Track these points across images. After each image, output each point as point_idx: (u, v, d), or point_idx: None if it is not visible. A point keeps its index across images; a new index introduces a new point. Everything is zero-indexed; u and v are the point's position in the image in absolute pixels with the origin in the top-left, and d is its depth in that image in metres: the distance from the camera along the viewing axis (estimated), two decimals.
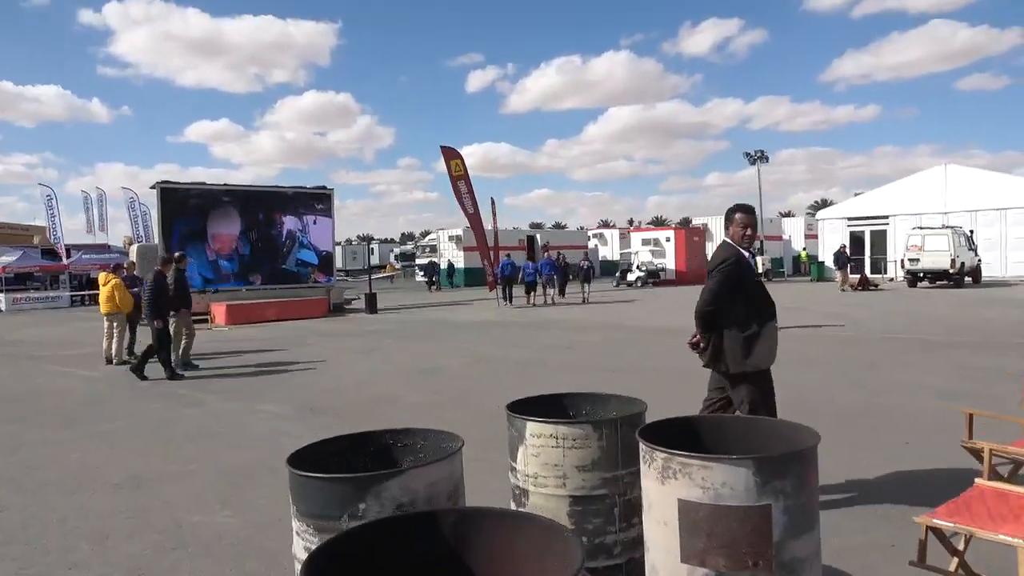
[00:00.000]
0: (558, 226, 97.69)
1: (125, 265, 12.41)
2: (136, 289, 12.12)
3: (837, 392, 7.40)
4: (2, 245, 32.34)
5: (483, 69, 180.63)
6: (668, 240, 33.07)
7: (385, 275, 48.72)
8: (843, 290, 23.58)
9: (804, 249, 37.91)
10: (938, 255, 23.64)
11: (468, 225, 22.52)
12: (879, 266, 31.11)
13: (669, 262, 32.58)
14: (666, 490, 2.29)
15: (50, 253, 32.03)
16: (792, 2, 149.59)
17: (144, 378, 9.47)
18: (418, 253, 43.94)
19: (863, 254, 31.46)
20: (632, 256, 32.85)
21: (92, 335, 14.39)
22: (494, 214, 24.62)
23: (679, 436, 2.58)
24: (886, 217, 31.26)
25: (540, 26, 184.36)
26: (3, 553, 3.87)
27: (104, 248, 32.53)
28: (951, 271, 23.53)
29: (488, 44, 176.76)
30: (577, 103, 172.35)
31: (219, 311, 18.15)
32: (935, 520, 2.80)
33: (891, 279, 29.09)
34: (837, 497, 4.22)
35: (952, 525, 2.75)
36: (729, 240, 4.09)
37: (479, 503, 3.17)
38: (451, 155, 21.41)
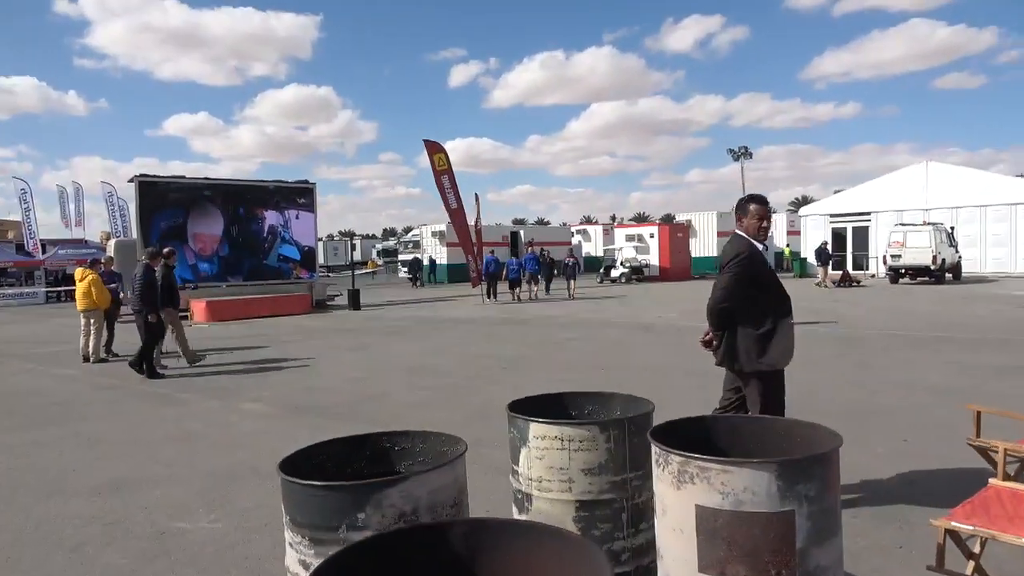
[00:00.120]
0: (541, 222, 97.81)
1: (103, 260, 12.10)
2: (114, 285, 11.82)
3: (836, 390, 7.31)
4: None
5: (466, 63, 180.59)
6: (652, 236, 33.01)
7: (367, 271, 48.42)
8: (825, 287, 23.62)
9: (787, 246, 38.11)
10: (920, 251, 23.87)
11: (451, 221, 22.28)
12: (861, 262, 31.35)
13: (653, 258, 32.55)
14: (682, 495, 2.17)
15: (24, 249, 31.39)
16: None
17: (159, 375, 9.36)
18: (401, 249, 43.61)
19: (845, 250, 31.70)
20: (616, 252, 32.77)
21: (69, 332, 14.07)
22: (478, 210, 24.43)
23: (691, 437, 2.46)
24: (868, 214, 31.52)
25: (523, 21, 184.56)
26: None
27: (81, 243, 31.98)
28: (932, 267, 23.76)
29: (471, 38, 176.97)
30: (560, 99, 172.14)
31: (199, 308, 17.82)
32: (953, 523, 2.70)
33: (873, 275, 29.32)
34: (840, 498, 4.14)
35: (971, 528, 2.66)
36: (742, 233, 3.91)
37: (476, 508, 3.04)
38: (435, 149, 21.10)
